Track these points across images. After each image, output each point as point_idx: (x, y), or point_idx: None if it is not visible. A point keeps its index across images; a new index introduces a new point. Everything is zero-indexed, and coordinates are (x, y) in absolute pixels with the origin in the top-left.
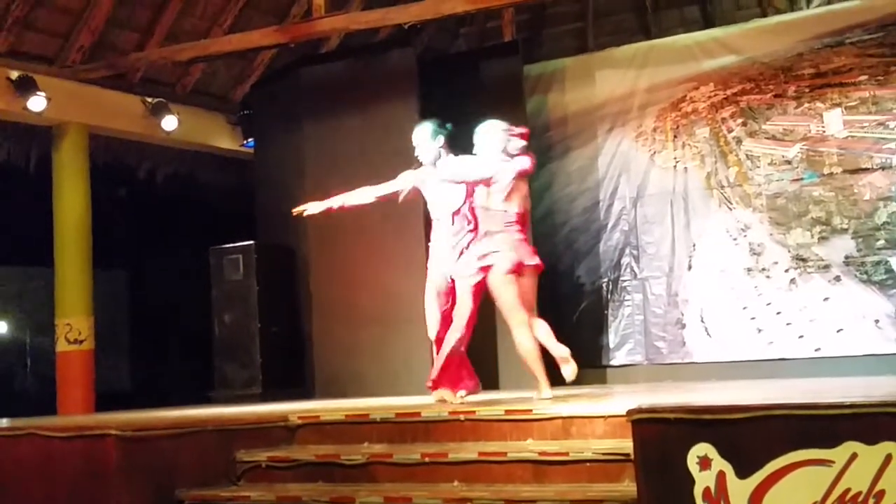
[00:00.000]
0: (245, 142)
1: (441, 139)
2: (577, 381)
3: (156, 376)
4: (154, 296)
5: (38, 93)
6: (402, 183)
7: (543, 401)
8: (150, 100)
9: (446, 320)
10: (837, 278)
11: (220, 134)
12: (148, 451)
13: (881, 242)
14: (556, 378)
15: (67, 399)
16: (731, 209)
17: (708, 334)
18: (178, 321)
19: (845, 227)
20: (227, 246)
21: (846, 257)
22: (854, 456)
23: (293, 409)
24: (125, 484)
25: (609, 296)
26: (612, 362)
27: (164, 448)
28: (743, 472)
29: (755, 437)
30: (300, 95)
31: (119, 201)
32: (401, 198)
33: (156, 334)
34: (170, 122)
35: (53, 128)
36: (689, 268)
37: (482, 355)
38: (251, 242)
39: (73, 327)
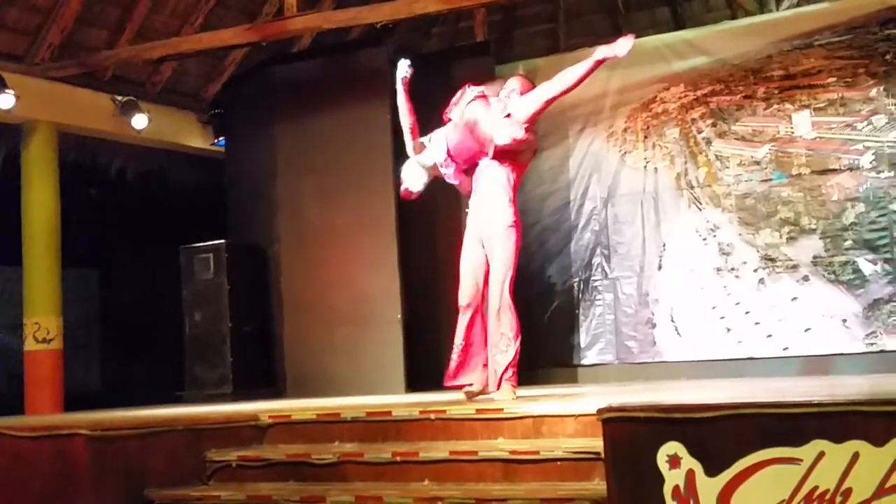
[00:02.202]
0: (216, 141)
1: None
2: (549, 381)
3: (126, 376)
4: (124, 295)
5: (7, 91)
6: None
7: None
8: (120, 98)
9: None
10: (805, 278)
11: (191, 133)
12: (118, 451)
13: (849, 243)
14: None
15: (36, 399)
16: (700, 209)
17: (678, 334)
18: (149, 320)
19: (813, 227)
20: (198, 245)
21: (814, 257)
22: (821, 454)
23: (264, 408)
24: (95, 484)
25: (580, 295)
26: (583, 362)
27: (133, 448)
28: (712, 471)
29: (724, 435)
30: (272, 94)
31: (89, 200)
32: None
33: (126, 334)
34: (140, 121)
35: (22, 126)
36: (660, 267)
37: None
38: (222, 241)
39: (42, 326)
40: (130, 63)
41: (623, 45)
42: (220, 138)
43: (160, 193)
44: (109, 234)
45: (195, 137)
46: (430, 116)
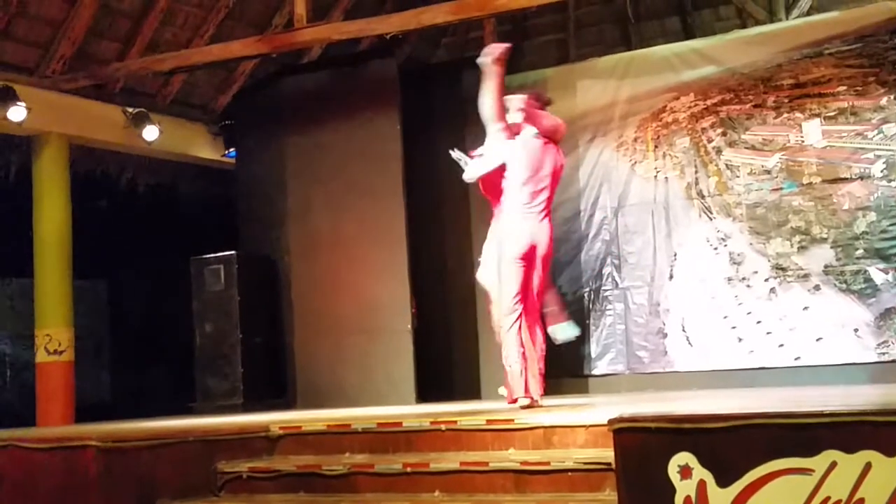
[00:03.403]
0: (226, 152)
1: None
2: (559, 391)
3: (136, 387)
4: (135, 306)
5: (18, 103)
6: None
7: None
8: (130, 110)
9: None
10: (817, 287)
11: (202, 144)
12: (128, 463)
13: (860, 252)
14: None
15: (47, 410)
16: (711, 219)
17: (689, 343)
18: (159, 332)
19: (824, 236)
20: (209, 256)
21: (825, 266)
22: (834, 464)
23: (274, 419)
24: (105, 495)
25: (591, 305)
26: (594, 372)
27: (144, 459)
28: (723, 481)
29: (735, 445)
30: (282, 106)
31: (100, 212)
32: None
33: (136, 345)
34: (151, 133)
35: (33, 138)
36: (671, 277)
37: (464, 362)
38: (232, 253)
39: (53, 338)
40: (141, 75)
41: None
42: (231, 150)
43: (171, 205)
44: (120, 246)
45: (206, 149)
46: (440, 126)
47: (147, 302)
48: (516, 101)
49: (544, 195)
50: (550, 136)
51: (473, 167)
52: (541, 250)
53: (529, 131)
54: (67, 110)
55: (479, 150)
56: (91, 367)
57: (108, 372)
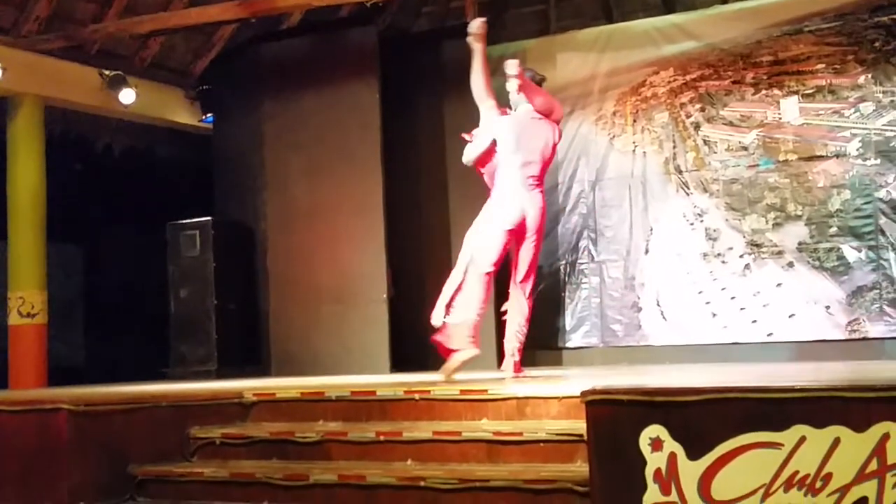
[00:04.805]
0: (204, 117)
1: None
2: (533, 363)
3: (110, 352)
4: (109, 270)
5: None
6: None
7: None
8: (107, 72)
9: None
10: (790, 264)
11: (179, 109)
12: (101, 427)
13: (834, 229)
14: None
15: (19, 373)
16: (688, 194)
17: (664, 318)
18: (134, 297)
19: (799, 213)
20: (185, 221)
21: (799, 244)
22: (803, 439)
23: (248, 386)
24: (78, 459)
25: (566, 278)
26: (568, 344)
27: (117, 423)
28: (694, 454)
29: (706, 419)
30: (260, 72)
31: (75, 174)
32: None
33: (111, 309)
34: (127, 96)
35: (8, 99)
36: (647, 252)
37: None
38: (208, 218)
39: (26, 301)
40: (118, 37)
41: None
42: (208, 115)
43: (147, 169)
44: (96, 210)
45: (183, 113)
46: (419, 96)
47: (122, 266)
48: (511, 67)
49: (534, 168)
50: (545, 115)
51: (469, 149)
52: (532, 222)
53: (524, 107)
54: (43, 71)
55: (475, 131)
56: (65, 331)
57: (82, 336)
